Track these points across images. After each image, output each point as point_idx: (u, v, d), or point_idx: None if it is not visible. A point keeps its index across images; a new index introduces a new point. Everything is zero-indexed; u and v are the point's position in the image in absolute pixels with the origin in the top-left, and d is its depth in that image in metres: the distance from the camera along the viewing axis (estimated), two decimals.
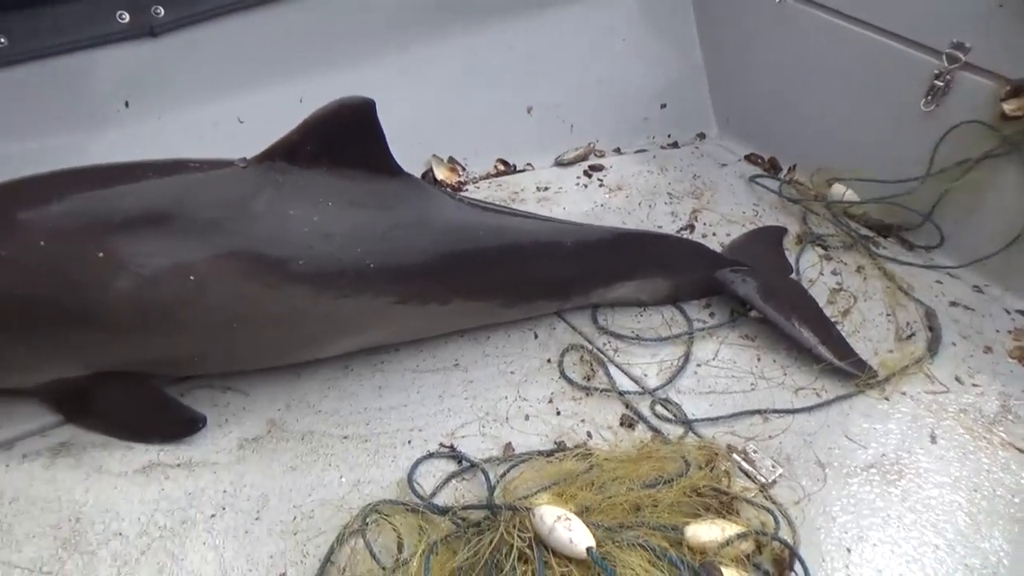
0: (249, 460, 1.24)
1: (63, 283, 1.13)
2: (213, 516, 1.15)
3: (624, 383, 1.45)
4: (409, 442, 1.30)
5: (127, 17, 1.59)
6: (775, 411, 1.40)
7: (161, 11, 1.62)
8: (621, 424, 1.36)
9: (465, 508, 1.15)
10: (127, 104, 1.66)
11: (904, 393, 1.47)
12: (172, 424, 1.26)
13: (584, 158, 2.15)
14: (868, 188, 1.93)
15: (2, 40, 1.49)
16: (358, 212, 1.26)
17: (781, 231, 1.90)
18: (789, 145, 2.17)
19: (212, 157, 1.28)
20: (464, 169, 2.04)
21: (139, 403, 1.26)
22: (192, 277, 1.16)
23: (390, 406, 1.36)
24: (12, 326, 1.15)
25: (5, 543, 1.09)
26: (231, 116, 1.74)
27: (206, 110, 1.72)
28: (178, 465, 1.22)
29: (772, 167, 2.19)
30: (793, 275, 1.76)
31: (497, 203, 1.68)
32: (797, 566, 1.12)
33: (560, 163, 2.13)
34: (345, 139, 1.24)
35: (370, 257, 1.25)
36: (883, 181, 1.87)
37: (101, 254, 1.13)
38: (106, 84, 1.63)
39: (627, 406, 1.40)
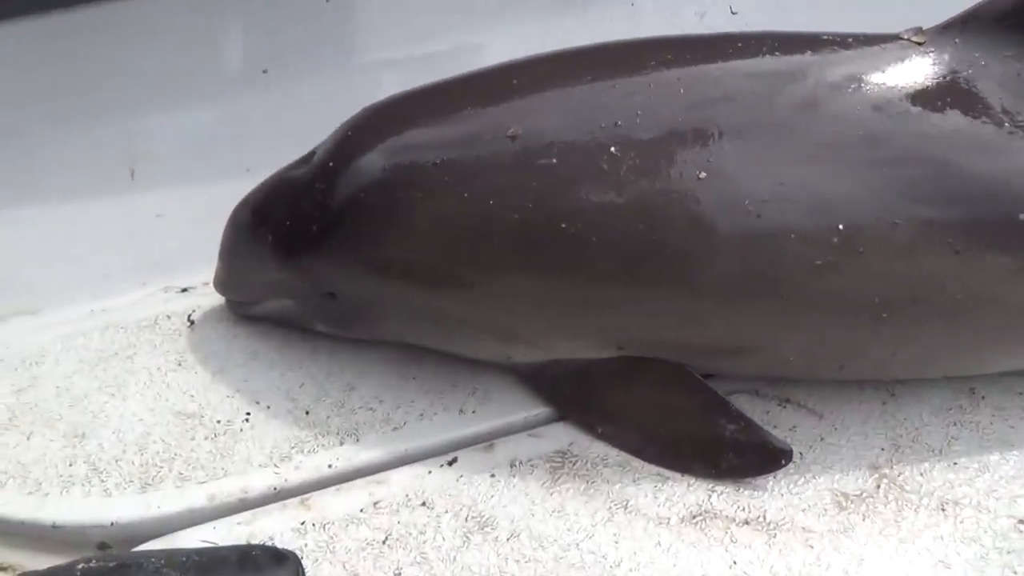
0: (858, 529, 0.75)
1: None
2: None
3: None
4: None
5: None
6: None
7: None
8: None
9: None
10: None
11: None
12: (747, 450, 0.79)
13: None
14: None
15: None
16: None
17: None
18: None
19: None
20: None
21: (691, 411, 0.81)
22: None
23: None
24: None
25: None
26: None
27: None
28: (747, 523, 0.76)
29: None
30: None
31: None
32: None
33: None
34: None
35: None
36: None
37: (703, 175, 0.70)
38: None
39: None
